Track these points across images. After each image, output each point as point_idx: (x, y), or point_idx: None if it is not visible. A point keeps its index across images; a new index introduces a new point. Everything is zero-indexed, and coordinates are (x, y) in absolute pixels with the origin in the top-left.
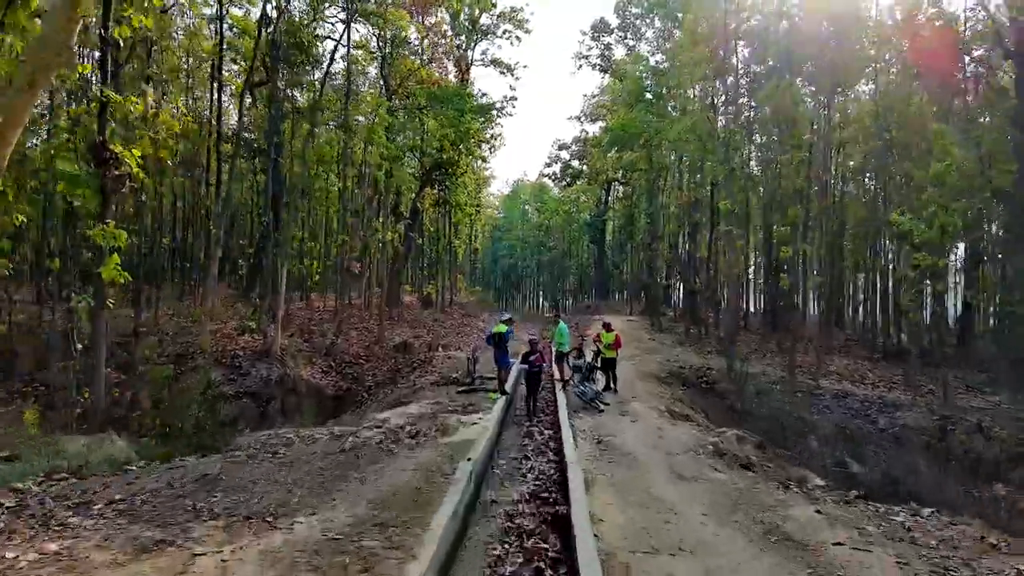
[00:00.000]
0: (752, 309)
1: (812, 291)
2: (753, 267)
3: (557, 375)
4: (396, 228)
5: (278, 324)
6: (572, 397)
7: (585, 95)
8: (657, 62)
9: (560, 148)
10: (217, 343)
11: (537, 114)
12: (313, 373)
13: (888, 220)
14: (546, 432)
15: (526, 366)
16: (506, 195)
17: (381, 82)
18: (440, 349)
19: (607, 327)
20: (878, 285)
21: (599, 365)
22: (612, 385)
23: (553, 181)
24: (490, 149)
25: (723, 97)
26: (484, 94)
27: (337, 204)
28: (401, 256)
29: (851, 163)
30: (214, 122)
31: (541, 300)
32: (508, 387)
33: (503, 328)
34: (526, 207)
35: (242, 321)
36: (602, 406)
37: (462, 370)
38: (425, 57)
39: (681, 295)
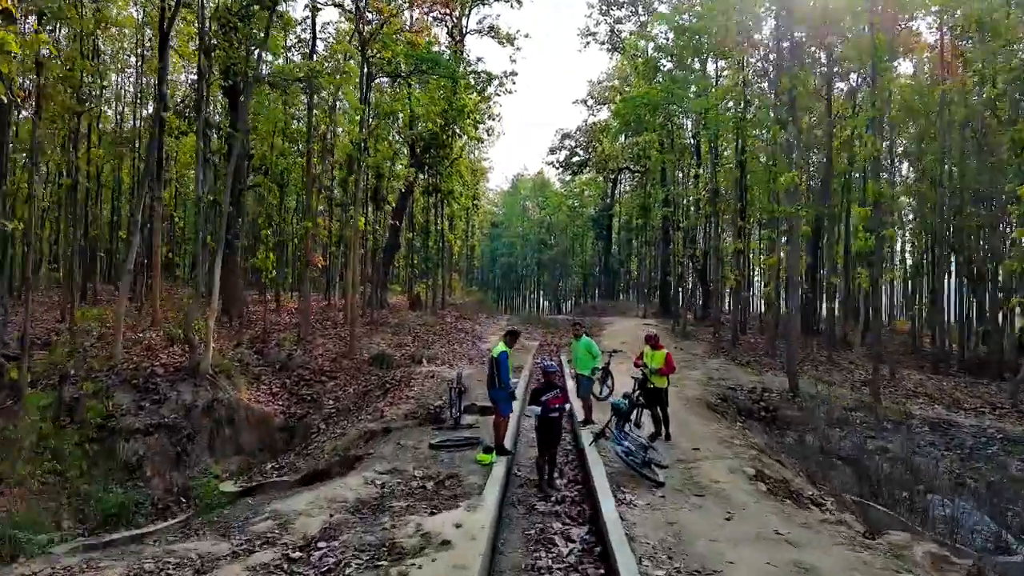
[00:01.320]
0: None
1: (885, 287)
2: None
3: (580, 414)
4: (377, 216)
5: (208, 333)
6: (609, 453)
7: (591, 81)
8: (679, 22)
9: (564, 137)
10: (131, 357)
11: (537, 109)
12: (258, 395)
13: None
14: (574, 532)
15: (538, 408)
16: (506, 191)
17: (357, 46)
18: (424, 362)
19: (652, 342)
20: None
21: (642, 399)
22: (663, 429)
23: (557, 169)
24: (487, 132)
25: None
26: (480, 58)
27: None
28: (387, 251)
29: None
30: (155, 87)
31: (542, 301)
32: (508, 442)
33: (499, 349)
34: (526, 203)
35: (171, 327)
36: (659, 474)
37: (446, 395)
38: (413, 14)
39: (701, 294)
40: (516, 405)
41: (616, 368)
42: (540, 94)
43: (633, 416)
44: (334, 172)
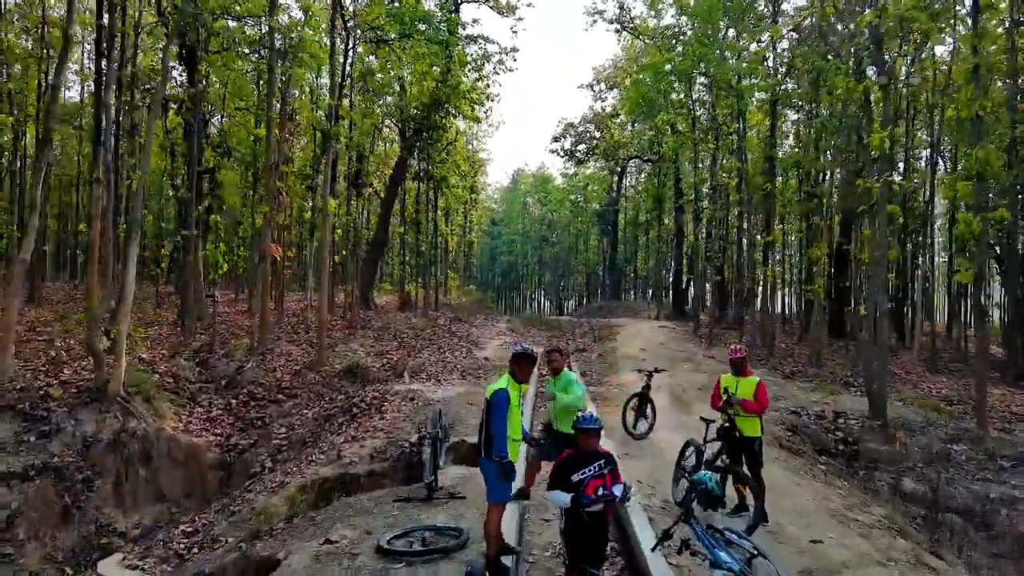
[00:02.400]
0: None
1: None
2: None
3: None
4: (359, 204)
5: (121, 341)
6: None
7: (596, 68)
8: None
9: (568, 127)
10: (24, 373)
11: (539, 99)
12: (190, 422)
13: None
14: None
15: (566, 497)
16: (505, 187)
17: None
18: (406, 377)
19: (739, 364)
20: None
21: (724, 457)
22: (755, 503)
23: (561, 157)
24: (486, 114)
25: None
26: (476, 19)
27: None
28: (374, 246)
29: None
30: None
31: (543, 301)
32: (510, 533)
33: (496, 386)
34: (527, 199)
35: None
36: None
37: (426, 427)
38: None
39: (718, 294)
40: (520, 473)
41: (656, 392)
42: (542, 84)
43: (716, 489)
44: (295, 144)
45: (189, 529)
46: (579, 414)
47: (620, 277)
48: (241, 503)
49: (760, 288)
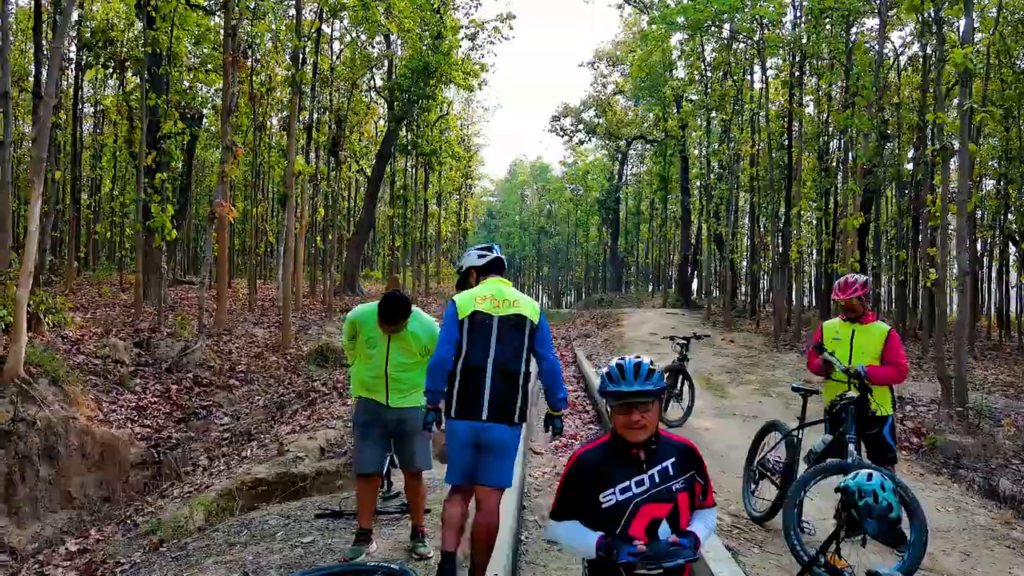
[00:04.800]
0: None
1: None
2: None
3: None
4: (338, 175)
5: (19, 312)
6: None
7: (596, 49)
8: None
9: (566, 110)
10: None
11: (536, 98)
12: (113, 410)
13: None
14: None
15: (583, 548)
16: (502, 179)
17: None
18: None
19: (856, 304)
20: None
21: (854, 451)
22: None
23: (561, 137)
24: (480, 86)
25: None
26: None
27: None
28: (359, 227)
29: None
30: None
31: (542, 295)
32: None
33: (472, 299)
34: (525, 191)
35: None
36: None
37: None
38: None
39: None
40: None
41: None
42: (538, 79)
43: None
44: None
45: (75, 548)
46: (616, 361)
47: (622, 267)
48: (148, 513)
49: (778, 269)
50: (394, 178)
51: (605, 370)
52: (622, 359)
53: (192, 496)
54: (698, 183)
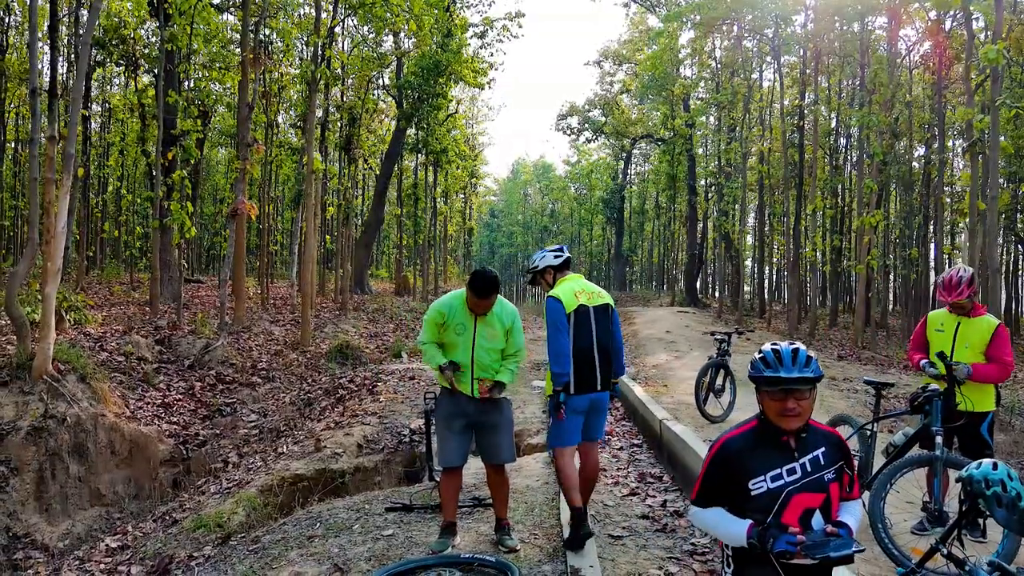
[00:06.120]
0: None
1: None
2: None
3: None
4: (351, 173)
5: (48, 308)
6: None
7: (601, 48)
8: None
9: (571, 113)
10: None
11: (539, 97)
12: (140, 407)
13: None
14: None
15: (734, 535)
16: (504, 179)
17: None
18: (404, 356)
19: (963, 301)
20: None
21: (942, 446)
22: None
23: (567, 135)
24: (488, 84)
25: None
26: None
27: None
28: (368, 226)
29: None
30: None
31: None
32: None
33: (572, 295)
34: (528, 190)
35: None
36: None
37: (430, 403)
38: None
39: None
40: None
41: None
42: (543, 79)
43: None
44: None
45: (115, 544)
46: (771, 346)
47: (626, 267)
48: (188, 509)
49: (792, 267)
50: (402, 177)
51: (759, 355)
52: (776, 345)
53: (232, 492)
54: (703, 181)
